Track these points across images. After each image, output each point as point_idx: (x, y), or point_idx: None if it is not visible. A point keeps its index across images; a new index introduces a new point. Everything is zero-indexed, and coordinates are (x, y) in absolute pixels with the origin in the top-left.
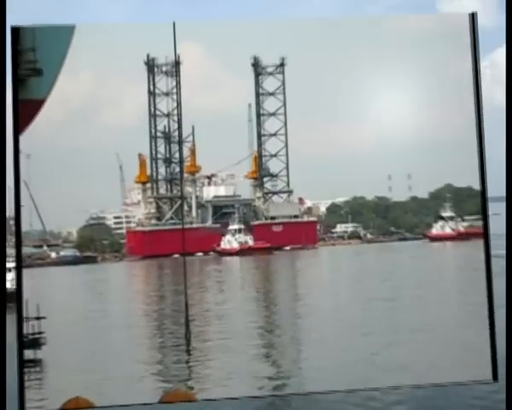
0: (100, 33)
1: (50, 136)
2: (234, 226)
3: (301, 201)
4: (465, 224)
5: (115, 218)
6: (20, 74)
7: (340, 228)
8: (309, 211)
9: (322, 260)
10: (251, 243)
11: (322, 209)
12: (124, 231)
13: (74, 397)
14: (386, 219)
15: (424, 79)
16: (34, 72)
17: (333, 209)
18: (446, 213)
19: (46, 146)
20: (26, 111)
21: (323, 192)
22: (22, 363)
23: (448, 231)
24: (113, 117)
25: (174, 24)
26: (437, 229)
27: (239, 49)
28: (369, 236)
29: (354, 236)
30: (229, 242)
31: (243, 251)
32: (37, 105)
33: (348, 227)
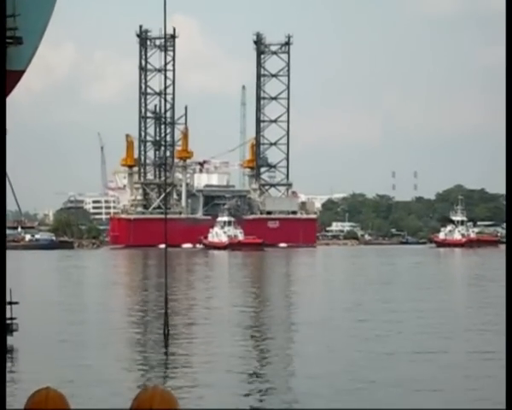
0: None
1: (29, 109)
2: (223, 218)
3: (295, 194)
4: (475, 230)
5: (94, 202)
6: None
7: (335, 227)
8: (303, 206)
9: (318, 263)
10: (241, 237)
11: (318, 205)
12: (103, 216)
13: (44, 387)
14: (387, 220)
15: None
16: (14, 40)
17: (329, 206)
18: (457, 217)
19: (24, 120)
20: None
21: (320, 186)
22: (4, 347)
23: (457, 236)
24: (98, 92)
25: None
26: (445, 233)
27: (238, 24)
28: (367, 237)
29: (351, 236)
30: (218, 235)
31: (232, 245)
32: (15, 76)
33: (345, 226)
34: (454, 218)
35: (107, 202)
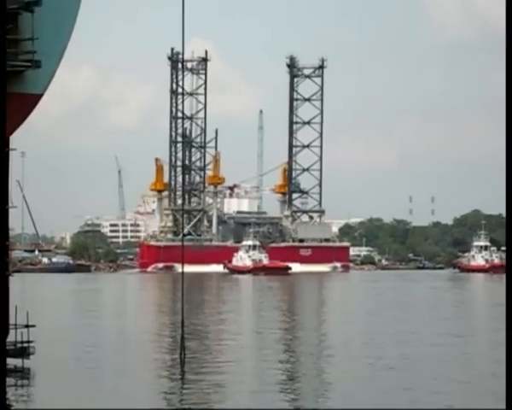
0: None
1: (47, 133)
2: (248, 242)
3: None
4: (498, 255)
5: (111, 226)
6: (16, 66)
7: (352, 251)
8: None
9: (340, 287)
10: (265, 261)
11: (335, 230)
12: (120, 240)
13: None
14: (404, 245)
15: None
16: (32, 63)
17: (346, 230)
18: (479, 242)
19: (43, 144)
20: (21, 106)
21: (337, 210)
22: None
23: (481, 261)
24: (116, 115)
25: (183, 14)
26: (468, 258)
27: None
28: (384, 262)
29: (368, 261)
30: (242, 258)
31: (256, 269)
32: (33, 99)
33: (362, 251)
34: (477, 243)
35: (124, 225)
